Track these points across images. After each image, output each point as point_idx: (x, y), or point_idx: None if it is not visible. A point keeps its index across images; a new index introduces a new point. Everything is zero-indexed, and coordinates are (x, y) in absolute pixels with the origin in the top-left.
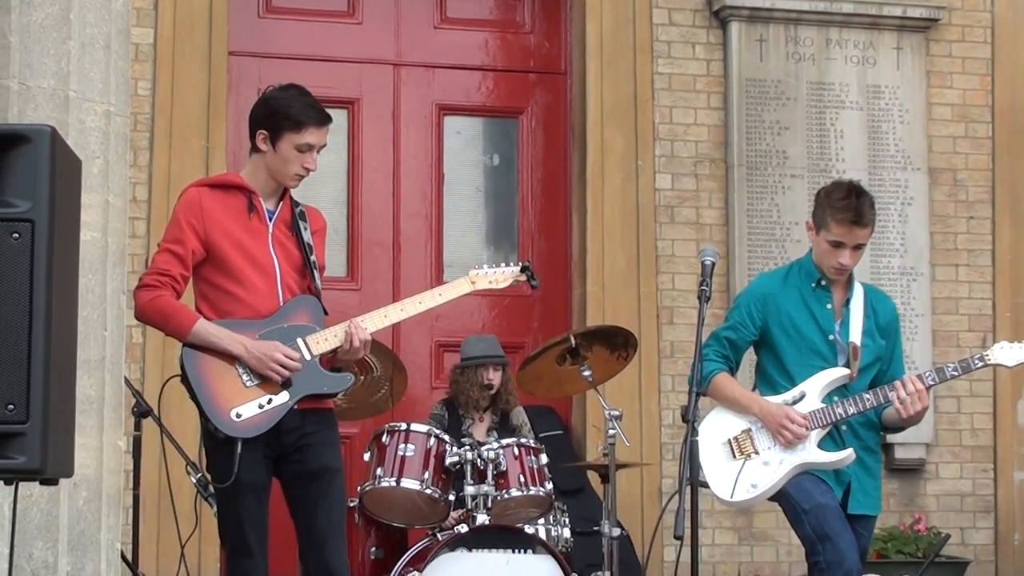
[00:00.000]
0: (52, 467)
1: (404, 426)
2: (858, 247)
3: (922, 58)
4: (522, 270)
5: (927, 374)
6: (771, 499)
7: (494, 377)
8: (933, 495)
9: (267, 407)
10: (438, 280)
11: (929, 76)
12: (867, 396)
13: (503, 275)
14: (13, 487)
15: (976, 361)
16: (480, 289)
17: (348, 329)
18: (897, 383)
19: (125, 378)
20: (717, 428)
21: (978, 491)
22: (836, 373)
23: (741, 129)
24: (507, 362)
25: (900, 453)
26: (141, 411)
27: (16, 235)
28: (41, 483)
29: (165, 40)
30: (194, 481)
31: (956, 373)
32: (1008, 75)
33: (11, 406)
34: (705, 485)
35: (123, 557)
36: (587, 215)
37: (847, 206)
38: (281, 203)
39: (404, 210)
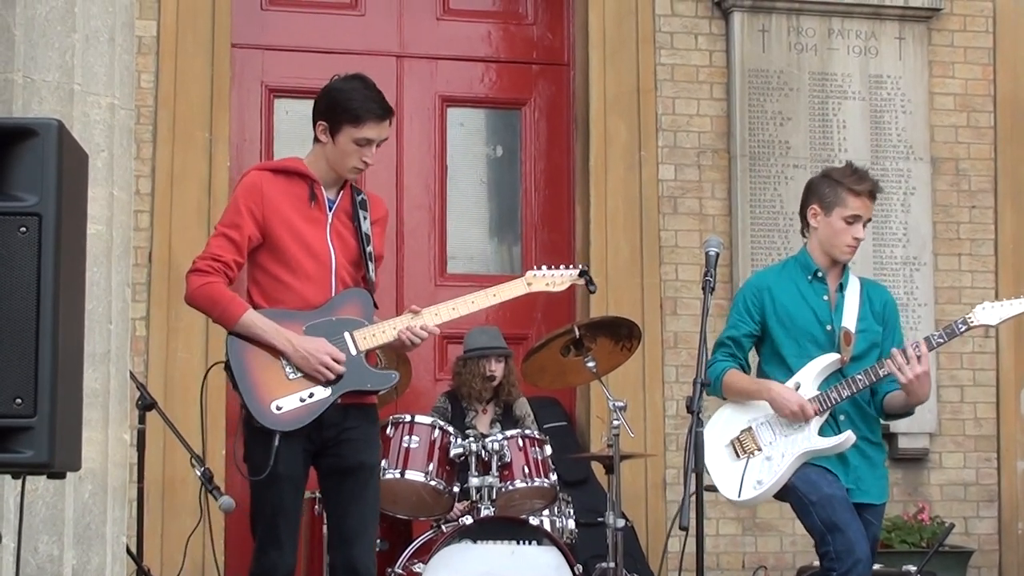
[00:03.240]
0: (60, 461)
1: (408, 418)
2: (867, 222)
3: (924, 48)
4: (580, 274)
5: (914, 344)
6: (779, 497)
7: (496, 369)
8: (937, 485)
9: (308, 401)
10: (442, 272)
11: (931, 66)
12: (859, 377)
13: (561, 278)
14: (20, 481)
15: (960, 325)
16: (537, 291)
17: (401, 336)
18: (892, 351)
19: (130, 371)
20: (719, 431)
21: (981, 480)
22: (827, 359)
23: (744, 119)
24: (510, 353)
25: (903, 443)
26: (145, 404)
27: (23, 229)
28: (48, 477)
29: (168, 32)
30: (199, 474)
31: (942, 340)
32: (1010, 64)
33: (19, 400)
34: (713, 489)
35: (128, 550)
36: (590, 206)
37: (862, 178)
38: (342, 192)
39: (407, 202)
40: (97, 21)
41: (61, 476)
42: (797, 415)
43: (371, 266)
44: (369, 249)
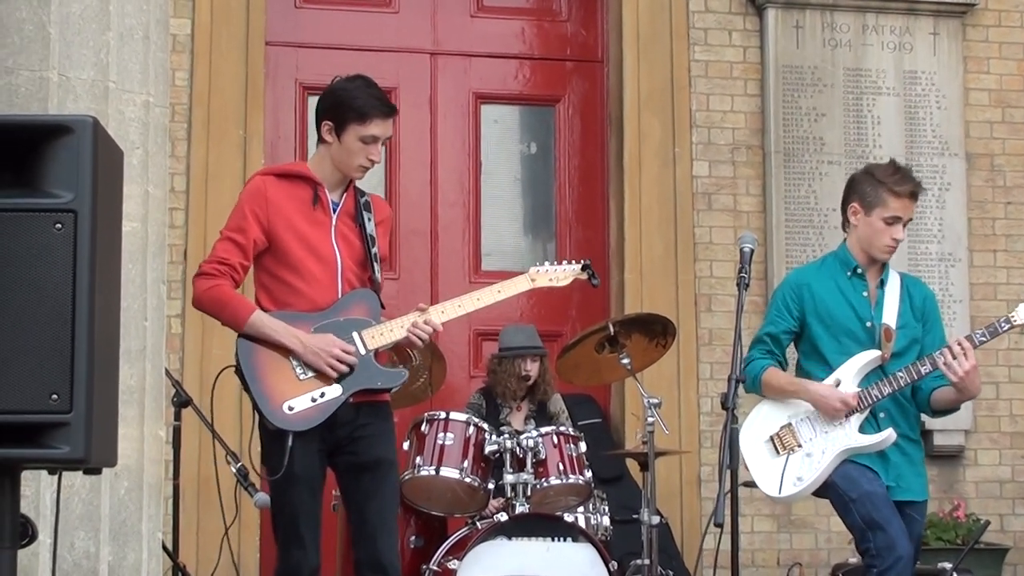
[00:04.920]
0: (96, 457)
1: (443, 415)
2: (907, 222)
3: (959, 43)
4: (583, 268)
5: (958, 342)
6: (819, 494)
7: (532, 368)
8: (972, 482)
9: (320, 401)
10: (476, 269)
11: (966, 61)
12: (900, 374)
13: (564, 273)
14: (56, 477)
15: (1003, 324)
16: (540, 287)
17: (410, 334)
18: (943, 349)
19: (165, 368)
20: (758, 427)
21: (1017, 477)
22: (868, 356)
23: (778, 116)
24: (545, 353)
25: (939, 440)
26: (181, 401)
27: (59, 225)
28: (84, 473)
29: (203, 30)
30: (234, 471)
31: (984, 339)
32: None
33: (55, 396)
34: (752, 484)
35: (163, 547)
36: (624, 203)
37: (904, 179)
38: (346, 194)
39: (442, 199)
40: (131, 19)
41: (97, 472)
42: (840, 411)
43: (376, 267)
44: (374, 250)
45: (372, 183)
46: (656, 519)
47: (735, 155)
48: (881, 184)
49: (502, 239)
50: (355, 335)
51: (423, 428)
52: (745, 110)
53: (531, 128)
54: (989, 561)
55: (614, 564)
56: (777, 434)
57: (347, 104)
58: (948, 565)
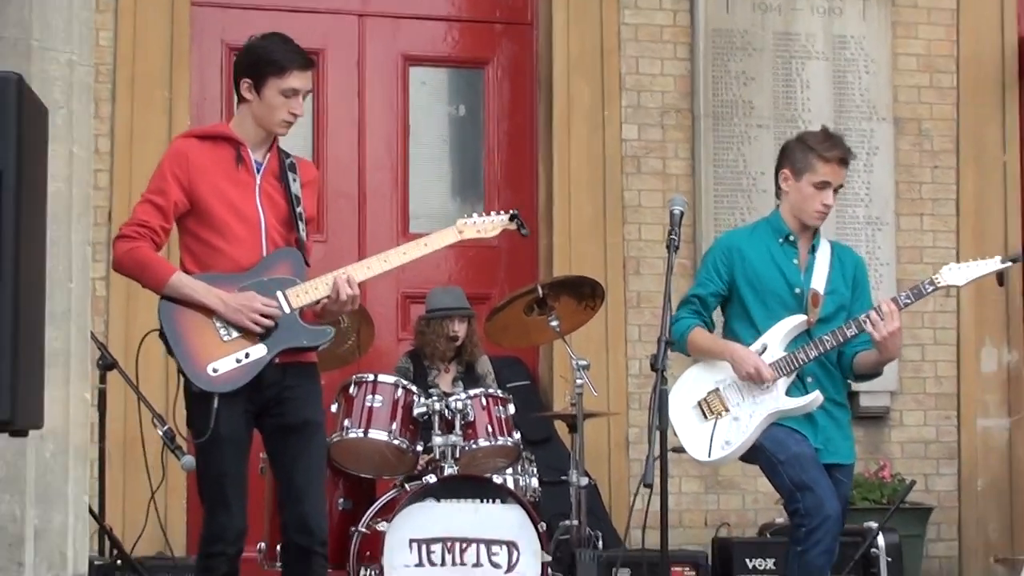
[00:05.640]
0: (21, 419)
1: (371, 377)
2: (838, 189)
3: (887, 8)
4: (511, 218)
5: (883, 304)
6: (746, 459)
7: (459, 329)
8: (897, 442)
9: (244, 361)
10: (404, 231)
11: (895, 26)
12: (826, 338)
13: (491, 224)
14: None
15: (927, 286)
16: (468, 239)
17: (336, 281)
18: (869, 311)
19: (91, 331)
20: (685, 393)
21: (942, 438)
22: (794, 321)
23: (707, 79)
24: (472, 314)
25: (865, 401)
26: (106, 364)
27: None
28: (10, 435)
29: None
30: (160, 433)
31: (909, 300)
32: (973, 25)
33: None
34: (680, 449)
35: (90, 510)
36: (553, 166)
37: (834, 145)
38: (269, 154)
39: (370, 162)
40: None
41: (23, 434)
42: (753, 376)
43: (302, 226)
44: (299, 210)
45: (299, 145)
46: (584, 480)
47: (664, 119)
48: (811, 150)
49: (430, 202)
50: (279, 294)
51: (351, 390)
52: (674, 74)
53: (460, 91)
54: (914, 520)
55: (543, 525)
56: (704, 399)
57: (265, 59)
58: (874, 524)
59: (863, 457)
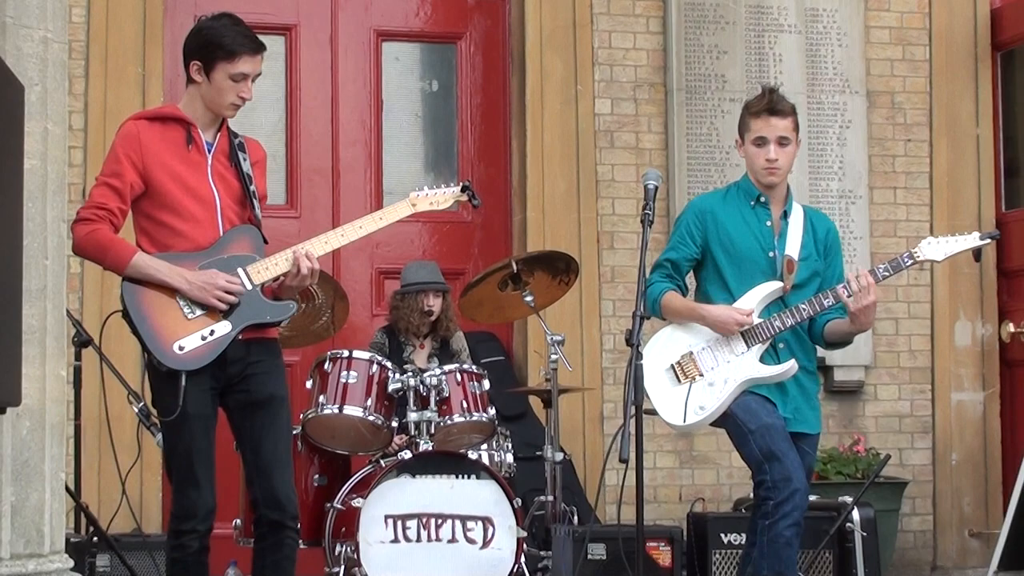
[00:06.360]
0: None
1: (346, 353)
2: (783, 142)
3: None
4: (463, 189)
5: (861, 274)
6: (717, 424)
7: (434, 303)
8: (872, 417)
9: (209, 338)
10: (378, 207)
11: None
12: (803, 306)
13: (444, 196)
14: None
15: (906, 259)
16: (422, 211)
17: (296, 256)
18: (847, 277)
19: (66, 309)
20: (658, 355)
21: (916, 412)
22: (770, 287)
23: (680, 53)
24: (447, 288)
25: (839, 375)
26: (81, 341)
27: None
28: None
29: None
30: (136, 410)
31: (887, 273)
32: None
33: None
34: (653, 412)
35: (66, 487)
36: (527, 141)
37: (759, 99)
38: (219, 134)
39: (343, 137)
40: None
41: (1, 411)
42: (742, 326)
43: (256, 204)
44: (252, 188)
45: (272, 121)
46: (559, 456)
47: (637, 93)
48: (745, 110)
49: (403, 177)
50: (240, 271)
51: (326, 367)
52: (647, 48)
53: (433, 66)
54: (889, 495)
55: (518, 501)
56: (678, 362)
57: (214, 43)
58: (848, 499)
59: (837, 431)
